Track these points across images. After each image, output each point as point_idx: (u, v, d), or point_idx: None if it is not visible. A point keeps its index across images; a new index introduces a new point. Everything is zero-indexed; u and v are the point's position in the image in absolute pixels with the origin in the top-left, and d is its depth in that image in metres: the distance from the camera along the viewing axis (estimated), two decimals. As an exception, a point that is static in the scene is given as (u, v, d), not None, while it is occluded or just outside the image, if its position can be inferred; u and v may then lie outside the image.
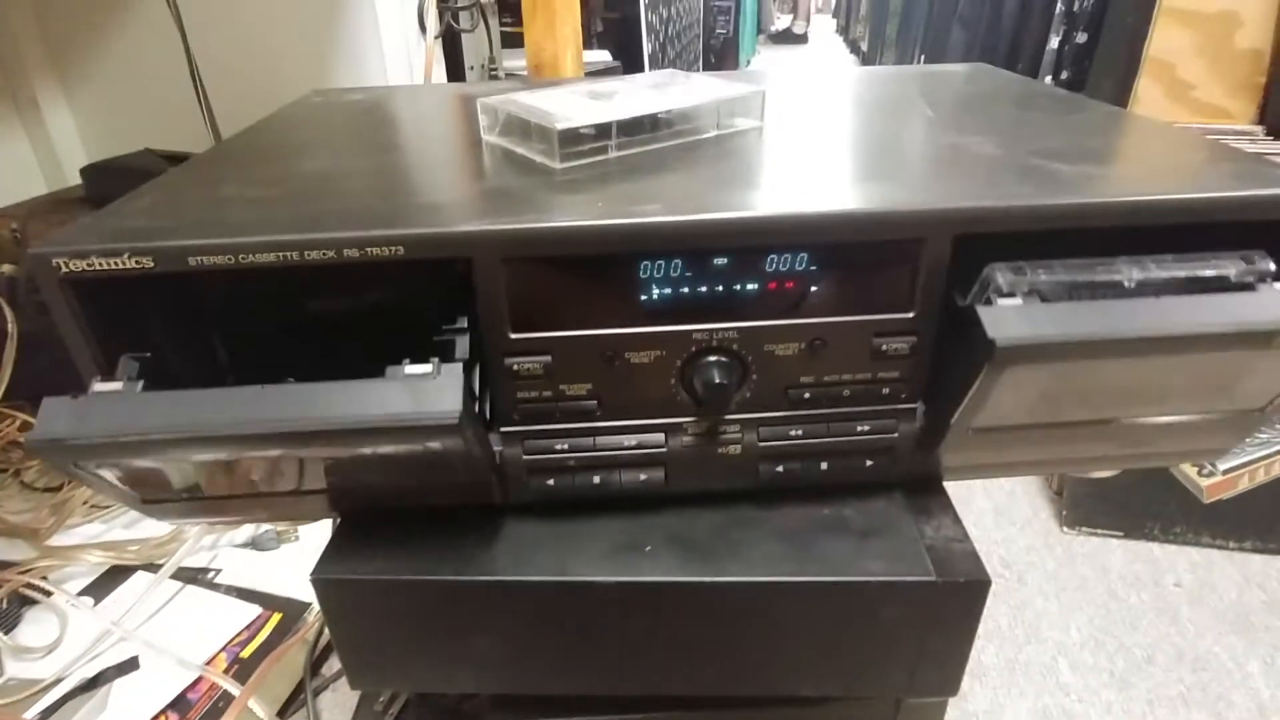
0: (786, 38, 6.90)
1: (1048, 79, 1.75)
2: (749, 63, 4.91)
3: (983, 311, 0.29)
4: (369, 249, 0.31)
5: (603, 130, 0.40)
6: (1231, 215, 0.32)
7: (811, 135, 0.45)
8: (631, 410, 0.36)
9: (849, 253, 0.33)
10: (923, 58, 3.09)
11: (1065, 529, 0.99)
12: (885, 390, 0.36)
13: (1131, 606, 0.87)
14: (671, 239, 0.32)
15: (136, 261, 0.31)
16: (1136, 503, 0.98)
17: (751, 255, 0.33)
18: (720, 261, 0.33)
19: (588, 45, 1.76)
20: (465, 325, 0.33)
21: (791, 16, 6.95)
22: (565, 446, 0.36)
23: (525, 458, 0.36)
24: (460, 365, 0.30)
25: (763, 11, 6.31)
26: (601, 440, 0.36)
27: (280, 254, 0.31)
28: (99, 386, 0.29)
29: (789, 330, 0.34)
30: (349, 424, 0.27)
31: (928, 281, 0.33)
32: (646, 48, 1.82)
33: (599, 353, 0.34)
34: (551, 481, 0.37)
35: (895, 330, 0.34)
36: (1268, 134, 1.31)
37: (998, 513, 1.02)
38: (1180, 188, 0.33)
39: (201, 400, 0.28)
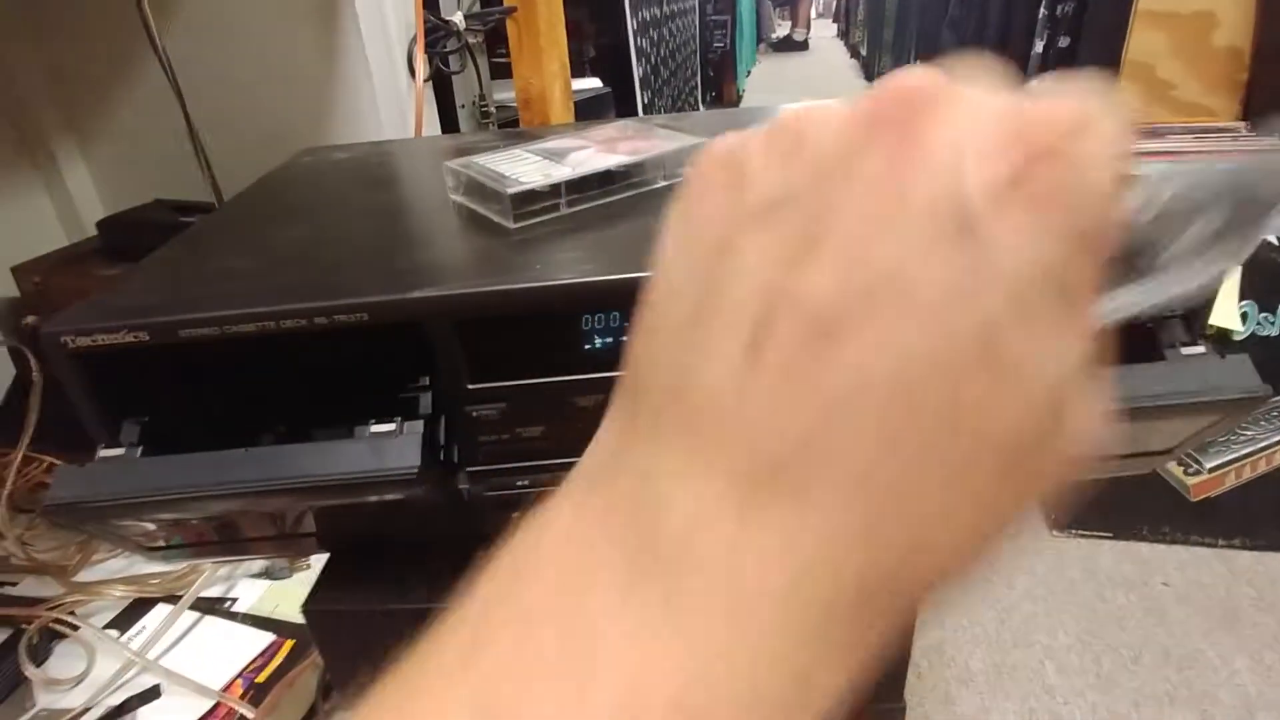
0: (787, 45, 6.94)
1: (1034, 82, 1.77)
2: (749, 74, 4.95)
3: None
4: (336, 316, 0.35)
5: (554, 189, 0.44)
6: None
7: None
8: (583, 447, 0.39)
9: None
10: (917, 62, 3.12)
11: (1055, 531, 1.01)
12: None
13: (1119, 607, 0.89)
14: (607, 295, 0.35)
15: (134, 336, 0.35)
16: (1125, 503, 0.99)
17: (682, 306, 0.36)
18: (654, 312, 0.36)
19: (580, 73, 1.80)
20: (428, 383, 0.37)
21: (790, 24, 7.00)
22: (526, 483, 0.40)
23: (488, 494, 0.40)
24: (421, 422, 0.33)
25: (762, 21, 6.37)
26: (559, 475, 0.40)
27: (259, 324, 0.35)
28: (104, 453, 0.33)
29: (721, 371, 0.37)
30: (321, 481, 0.31)
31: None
32: (637, 73, 1.87)
33: (549, 398, 0.38)
34: (516, 514, 0.40)
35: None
36: (1252, 130, 1.32)
37: (989, 517, 1.04)
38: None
39: (193, 464, 0.32)
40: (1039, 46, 1.74)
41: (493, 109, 1.26)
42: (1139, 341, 0.36)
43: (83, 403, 0.36)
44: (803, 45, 6.91)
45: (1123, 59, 1.39)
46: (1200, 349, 0.34)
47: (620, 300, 0.36)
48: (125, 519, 0.34)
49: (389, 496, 0.33)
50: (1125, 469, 0.41)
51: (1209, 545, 0.97)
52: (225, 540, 0.40)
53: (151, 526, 0.37)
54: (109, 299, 0.37)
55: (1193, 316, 0.37)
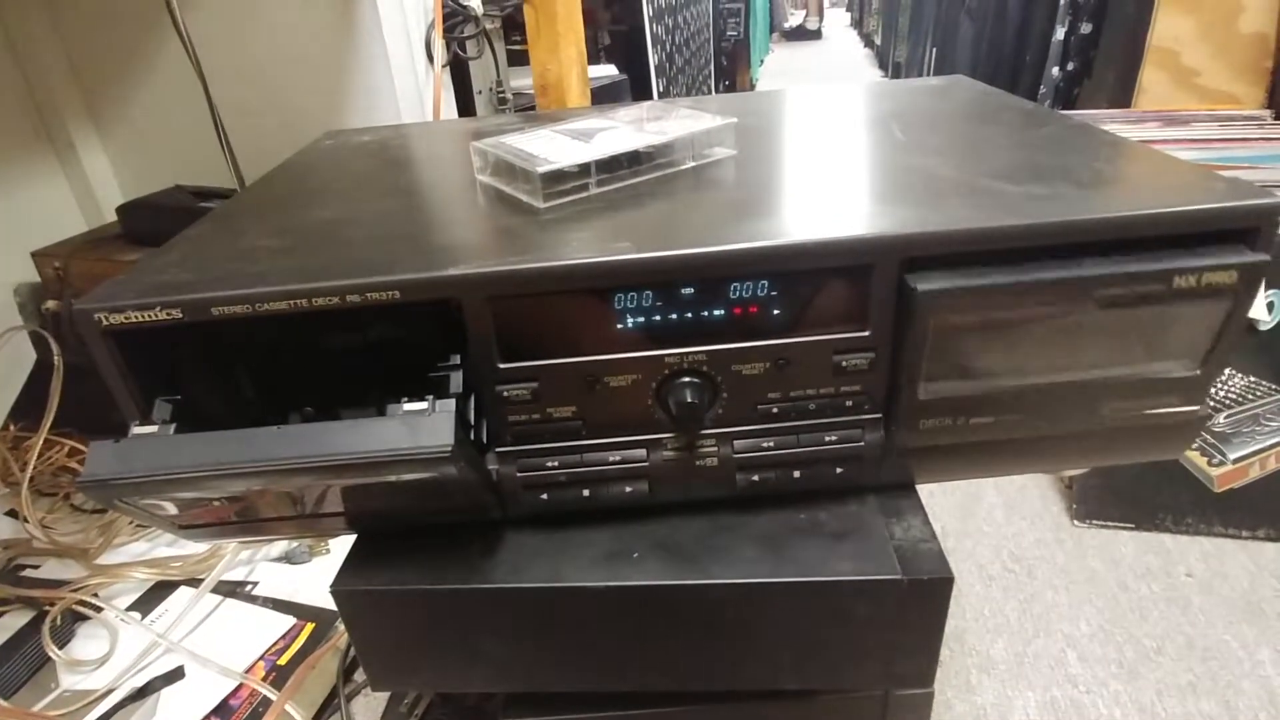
0: (800, 34, 6.88)
1: (1054, 70, 1.75)
2: (762, 63, 4.91)
3: (910, 276, 0.34)
4: (368, 294, 0.34)
5: (584, 169, 0.43)
6: (1160, 231, 0.34)
7: (781, 163, 0.48)
8: (614, 429, 0.39)
9: (805, 279, 0.36)
10: (934, 50, 3.08)
11: (1076, 522, 1.00)
12: (848, 403, 0.39)
13: (1142, 598, 0.88)
14: (640, 274, 0.35)
15: (167, 313, 0.35)
16: (1148, 494, 0.98)
17: (715, 284, 0.36)
18: (687, 291, 0.36)
19: (594, 60, 1.79)
20: (458, 361, 0.36)
21: (804, 12, 6.94)
22: (555, 464, 0.40)
23: (519, 475, 0.40)
24: (453, 400, 0.33)
25: (775, 9, 6.31)
26: (588, 457, 0.40)
27: (291, 301, 0.35)
28: (137, 430, 0.33)
29: (754, 351, 0.37)
30: (354, 459, 0.31)
31: (881, 300, 0.36)
32: (652, 60, 1.86)
33: (581, 378, 0.37)
34: (545, 496, 0.40)
35: (853, 348, 0.37)
36: (1277, 118, 1.30)
37: (1008, 508, 1.03)
38: (1114, 205, 0.35)
39: (226, 441, 0.31)
40: (1060, 33, 1.72)
41: (509, 95, 1.25)
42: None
43: (115, 380, 0.36)
44: (816, 34, 6.86)
45: (1146, 45, 1.36)
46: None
47: (652, 279, 0.35)
48: (158, 495, 0.34)
49: (422, 475, 0.33)
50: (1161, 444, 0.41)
51: (1233, 537, 0.96)
52: (255, 519, 0.40)
53: (182, 505, 0.37)
54: (141, 276, 0.37)
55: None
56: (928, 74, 3.13)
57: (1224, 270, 0.34)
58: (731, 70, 3.82)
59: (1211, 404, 0.50)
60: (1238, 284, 0.34)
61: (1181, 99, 1.36)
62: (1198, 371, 0.37)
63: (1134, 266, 0.34)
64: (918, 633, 0.39)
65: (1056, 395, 0.38)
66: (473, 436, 0.37)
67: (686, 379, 0.37)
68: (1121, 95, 1.43)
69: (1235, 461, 0.95)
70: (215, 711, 0.71)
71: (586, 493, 0.40)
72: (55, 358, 0.97)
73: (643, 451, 0.40)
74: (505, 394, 0.38)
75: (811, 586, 0.38)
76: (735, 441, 0.40)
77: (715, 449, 0.40)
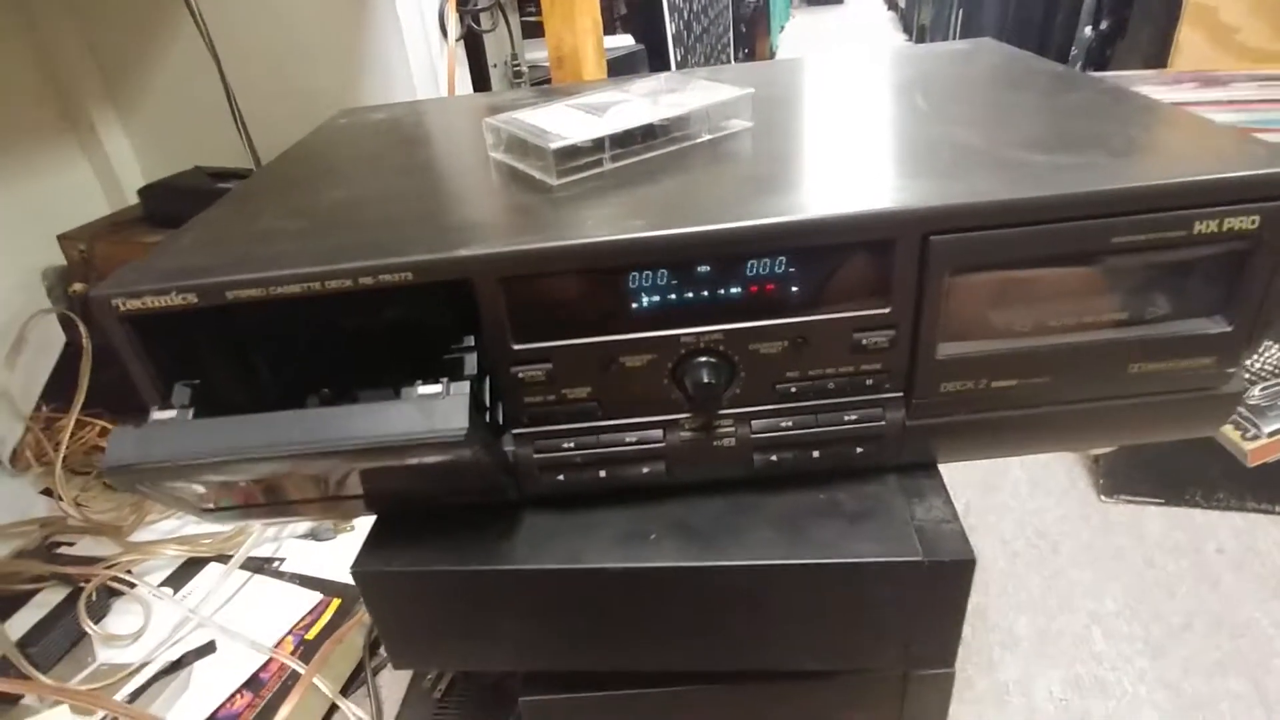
0: None
1: (1087, 30, 1.69)
2: (782, 30, 4.81)
3: None
4: (381, 276, 0.34)
5: (598, 144, 0.42)
6: (1195, 200, 0.33)
7: (799, 134, 0.47)
8: (630, 409, 0.39)
9: (824, 255, 0.35)
10: (960, 12, 3.00)
11: (1103, 497, 0.98)
12: (869, 381, 0.38)
13: (1170, 574, 0.87)
14: (654, 252, 0.34)
15: (183, 298, 0.35)
16: (1178, 469, 0.96)
17: (731, 262, 0.35)
18: (703, 269, 0.35)
19: (611, 30, 1.76)
20: (473, 343, 0.36)
21: (826, -23, 6.76)
22: (571, 445, 0.39)
23: (536, 456, 0.39)
24: (468, 383, 0.33)
25: (795, -25, 6.16)
26: (605, 438, 0.39)
27: (305, 285, 0.34)
28: (157, 415, 0.33)
29: (772, 330, 0.36)
30: (370, 442, 0.31)
31: (902, 276, 0.35)
32: (670, 29, 1.82)
33: (596, 358, 0.37)
34: (561, 477, 0.40)
35: (874, 325, 0.36)
36: (1322, 77, 1.25)
37: (1033, 484, 1.02)
38: (1148, 174, 0.33)
39: (244, 425, 0.32)
40: (1093, -8, 1.66)
41: (525, 68, 1.24)
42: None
43: (134, 365, 0.36)
44: (838, -1, 6.68)
45: (1183, 2, 1.31)
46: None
47: (667, 258, 0.35)
48: (179, 480, 0.34)
49: (438, 458, 0.33)
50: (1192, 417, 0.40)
51: (1265, 512, 0.94)
52: (276, 502, 0.40)
53: (204, 489, 0.37)
54: (157, 261, 0.37)
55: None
56: (954, 37, 3.04)
57: (1246, 215, 0.33)
58: (750, 38, 3.74)
59: (1246, 376, 0.49)
60: (1261, 230, 0.33)
61: (1220, 58, 1.31)
62: (1230, 329, 0.36)
63: (1154, 213, 0.33)
64: (938, 614, 0.39)
65: (1082, 355, 0.37)
66: (488, 418, 0.37)
67: (703, 359, 0.37)
68: (1157, 55, 1.38)
69: (1270, 435, 0.93)
70: (247, 684, 0.73)
71: (603, 474, 0.40)
72: (84, 340, 0.99)
73: (659, 432, 0.39)
74: (520, 375, 0.37)
75: (830, 568, 0.38)
76: (753, 421, 0.39)
77: (733, 429, 0.39)
